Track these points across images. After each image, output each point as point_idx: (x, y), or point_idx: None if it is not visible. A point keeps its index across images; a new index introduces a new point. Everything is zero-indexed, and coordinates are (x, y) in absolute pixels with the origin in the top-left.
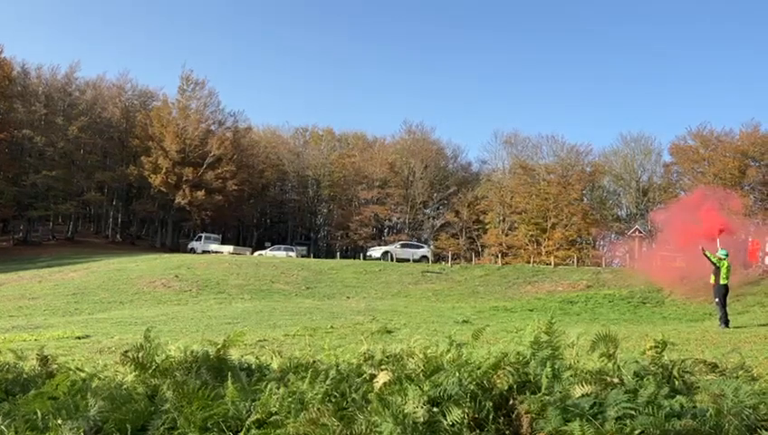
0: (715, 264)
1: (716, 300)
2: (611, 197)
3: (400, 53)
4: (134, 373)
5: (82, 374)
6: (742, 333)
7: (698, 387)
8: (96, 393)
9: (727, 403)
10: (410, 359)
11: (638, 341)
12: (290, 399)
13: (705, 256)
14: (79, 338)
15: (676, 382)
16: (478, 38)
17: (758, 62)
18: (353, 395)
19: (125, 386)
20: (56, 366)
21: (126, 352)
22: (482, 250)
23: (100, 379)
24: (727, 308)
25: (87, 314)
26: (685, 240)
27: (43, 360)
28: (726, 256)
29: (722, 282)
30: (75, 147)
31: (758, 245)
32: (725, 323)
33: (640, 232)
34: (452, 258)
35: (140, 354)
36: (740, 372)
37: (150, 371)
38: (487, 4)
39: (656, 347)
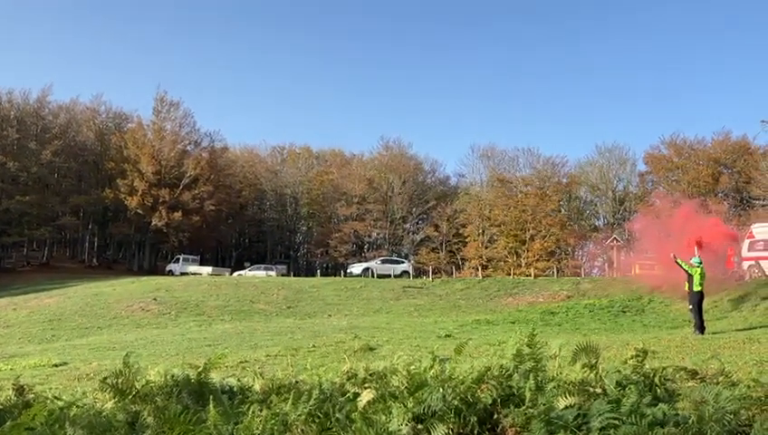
0: (687, 271)
1: (690, 307)
2: (588, 207)
3: (375, 70)
4: (113, 400)
5: (60, 403)
6: (721, 339)
7: (680, 394)
8: (75, 422)
9: (708, 410)
10: (394, 376)
11: (619, 350)
12: (273, 421)
13: (678, 263)
14: (56, 366)
15: (658, 390)
16: (452, 52)
17: (729, 71)
18: (337, 415)
19: (104, 414)
20: (33, 396)
21: (105, 378)
22: (462, 263)
23: (78, 407)
24: (704, 314)
25: (64, 340)
26: (665, 251)
27: (19, 390)
28: (700, 263)
29: (695, 289)
30: (49, 171)
31: (733, 251)
32: (701, 329)
33: (618, 241)
34: (433, 272)
35: (119, 380)
36: (720, 378)
37: (130, 397)
38: (461, 18)
39: (637, 356)
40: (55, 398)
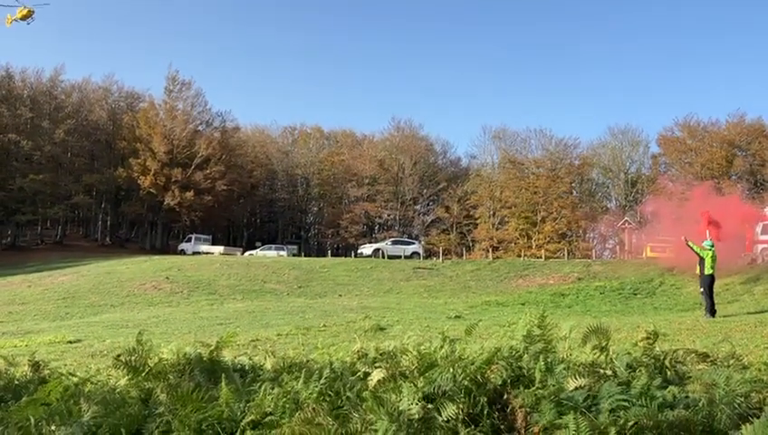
0: (698, 254)
1: (701, 290)
2: (600, 189)
3: (387, 49)
4: (127, 377)
5: (75, 379)
6: (732, 322)
7: (690, 377)
8: (89, 398)
9: (719, 392)
10: (404, 356)
11: (629, 332)
12: (284, 399)
13: (689, 246)
14: (70, 343)
15: (669, 373)
16: (465, 32)
17: (744, 51)
18: (348, 394)
19: (118, 390)
20: (48, 372)
21: (118, 355)
22: (473, 245)
23: (92, 383)
24: (715, 297)
25: (78, 317)
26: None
27: (35, 365)
28: (711, 246)
29: (707, 272)
30: (62, 150)
31: (750, 234)
32: (711, 312)
33: (630, 223)
34: (443, 254)
35: (133, 358)
36: (731, 361)
37: (143, 374)
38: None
39: (647, 338)
40: (70, 374)
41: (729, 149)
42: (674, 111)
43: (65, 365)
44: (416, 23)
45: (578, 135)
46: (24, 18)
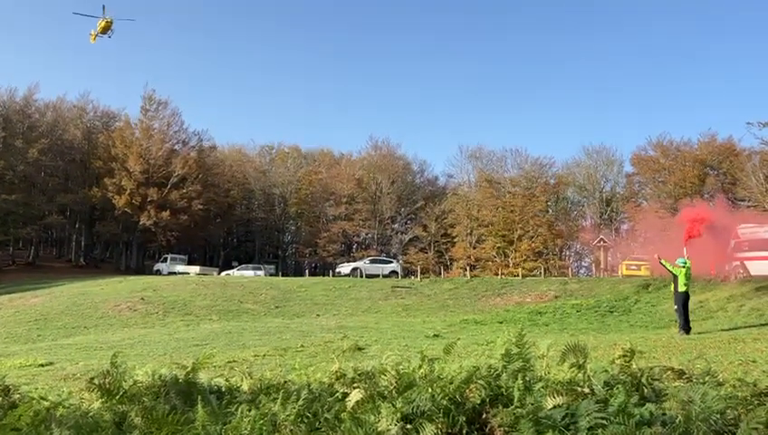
0: (671, 272)
1: (675, 307)
2: (575, 207)
3: (363, 68)
4: (101, 400)
5: (46, 403)
6: (706, 339)
7: (667, 394)
8: (61, 423)
9: (695, 409)
10: (382, 376)
11: (606, 350)
12: (262, 421)
13: (662, 264)
14: (42, 366)
15: (646, 390)
16: (443, 52)
17: (716, 73)
18: (326, 415)
19: (91, 414)
20: (18, 396)
21: (92, 378)
22: (450, 264)
23: (65, 407)
24: (690, 315)
25: (50, 340)
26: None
27: (5, 390)
28: (685, 264)
29: (680, 289)
30: (35, 170)
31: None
32: (686, 330)
33: (605, 241)
34: (421, 272)
35: (107, 380)
36: (706, 378)
37: (118, 397)
38: (449, 17)
39: (624, 356)
40: (41, 398)
41: (701, 168)
42: (647, 130)
43: (36, 389)
44: (393, 43)
45: (553, 154)
46: (104, 32)
